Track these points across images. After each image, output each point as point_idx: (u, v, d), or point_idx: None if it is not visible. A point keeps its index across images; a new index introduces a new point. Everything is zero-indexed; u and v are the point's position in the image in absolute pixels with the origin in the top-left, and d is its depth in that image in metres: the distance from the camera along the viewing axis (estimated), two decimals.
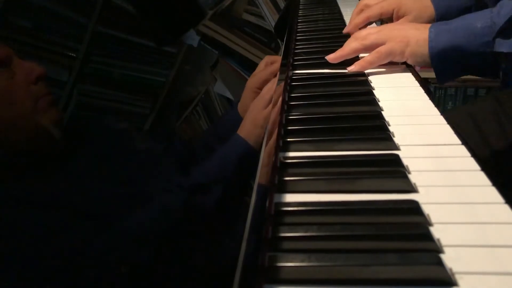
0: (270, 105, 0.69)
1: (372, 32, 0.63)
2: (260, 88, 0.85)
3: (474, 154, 0.40)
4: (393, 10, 0.74)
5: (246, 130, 0.72)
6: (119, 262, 0.66)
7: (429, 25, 0.60)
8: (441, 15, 0.73)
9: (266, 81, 0.80)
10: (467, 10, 0.73)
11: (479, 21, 0.56)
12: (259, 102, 0.73)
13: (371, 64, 0.61)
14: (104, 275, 0.65)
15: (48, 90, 0.78)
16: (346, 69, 0.63)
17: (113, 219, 0.69)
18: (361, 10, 0.77)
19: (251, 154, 0.71)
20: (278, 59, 0.78)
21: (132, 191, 0.76)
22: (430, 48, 0.58)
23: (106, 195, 0.74)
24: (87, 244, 0.66)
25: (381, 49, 0.60)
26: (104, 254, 0.66)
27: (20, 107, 0.74)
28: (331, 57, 0.64)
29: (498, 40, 0.55)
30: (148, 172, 0.82)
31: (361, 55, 0.65)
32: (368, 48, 0.62)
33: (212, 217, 0.72)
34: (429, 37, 0.58)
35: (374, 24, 0.82)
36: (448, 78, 0.61)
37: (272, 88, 0.71)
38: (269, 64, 0.85)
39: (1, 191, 0.71)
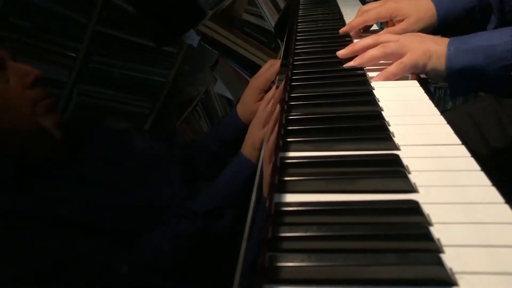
0: (267, 126, 0.69)
1: (393, 40, 0.62)
2: (264, 89, 0.85)
3: (474, 154, 0.40)
4: (390, 15, 0.74)
5: (248, 153, 0.72)
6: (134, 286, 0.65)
7: (447, 40, 0.59)
8: (444, 16, 0.73)
9: (270, 81, 0.80)
10: (470, 10, 0.73)
11: (499, 43, 0.55)
12: (256, 123, 0.72)
13: (395, 76, 0.60)
14: None
15: (45, 94, 0.76)
16: (371, 79, 0.62)
17: (118, 227, 0.68)
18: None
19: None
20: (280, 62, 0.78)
21: (134, 194, 0.76)
22: (448, 68, 0.57)
23: (109, 200, 0.73)
24: (100, 267, 0.64)
25: (406, 61, 0.59)
26: (119, 280, 0.65)
27: (18, 113, 0.72)
28: (342, 54, 0.65)
29: None
30: (150, 174, 0.82)
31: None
32: (388, 56, 0.62)
33: (225, 241, 0.72)
34: (448, 55, 0.57)
35: (375, 26, 0.83)
36: (461, 94, 0.62)
37: (268, 108, 0.71)
38: (273, 66, 0.85)
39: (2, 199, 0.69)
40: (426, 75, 0.61)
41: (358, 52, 0.64)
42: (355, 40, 0.76)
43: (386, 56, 0.62)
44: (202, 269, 0.71)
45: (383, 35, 0.64)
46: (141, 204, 0.75)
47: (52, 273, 0.62)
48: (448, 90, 1.80)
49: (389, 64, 0.62)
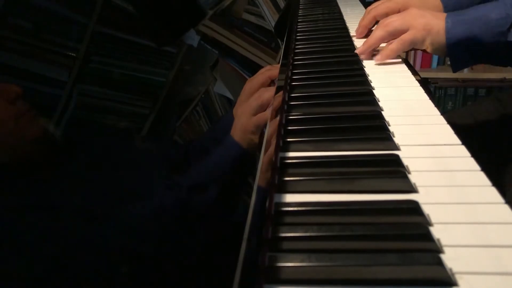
0: (263, 113, 0.71)
1: (395, 19, 0.64)
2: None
3: (474, 154, 0.40)
4: (399, 10, 0.75)
5: (238, 136, 0.74)
6: (118, 257, 0.67)
7: (445, 14, 0.61)
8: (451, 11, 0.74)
9: (264, 85, 0.81)
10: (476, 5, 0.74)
11: (493, 12, 0.58)
12: (246, 109, 0.74)
13: (395, 53, 0.63)
14: (104, 270, 0.66)
15: (27, 107, 0.80)
16: (373, 59, 0.64)
17: (110, 217, 0.70)
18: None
19: (244, 156, 0.73)
20: (277, 67, 0.78)
21: (128, 194, 0.77)
22: (448, 38, 0.60)
23: (104, 197, 0.75)
24: (85, 240, 0.67)
25: (405, 37, 0.62)
26: (103, 248, 0.68)
27: (3, 128, 0.76)
28: (360, 51, 0.66)
29: None
30: (144, 174, 0.83)
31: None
32: (392, 35, 0.64)
33: (208, 215, 0.74)
34: (446, 27, 0.60)
35: None
36: (462, 66, 0.65)
37: (261, 96, 0.73)
38: (269, 70, 0.85)
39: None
40: (427, 50, 0.64)
41: (375, 46, 0.66)
42: (357, 41, 0.76)
43: (390, 34, 0.64)
44: (184, 241, 0.73)
45: (393, 22, 0.66)
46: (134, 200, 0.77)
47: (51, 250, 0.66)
48: (447, 90, 1.79)
49: (393, 63, 0.64)
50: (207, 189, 0.72)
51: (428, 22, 0.61)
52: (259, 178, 0.40)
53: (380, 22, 0.68)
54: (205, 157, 0.77)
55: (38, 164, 0.81)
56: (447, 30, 0.60)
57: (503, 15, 0.58)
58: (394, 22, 0.64)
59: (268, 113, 0.69)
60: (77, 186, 0.78)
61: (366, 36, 0.79)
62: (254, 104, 0.72)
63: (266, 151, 0.45)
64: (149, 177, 0.83)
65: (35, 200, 0.73)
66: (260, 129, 0.71)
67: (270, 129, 0.50)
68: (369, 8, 0.79)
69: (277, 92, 0.58)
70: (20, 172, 0.79)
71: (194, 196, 0.72)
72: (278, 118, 0.48)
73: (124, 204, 0.73)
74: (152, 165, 0.86)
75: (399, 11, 0.75)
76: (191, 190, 0.72)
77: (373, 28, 0.78)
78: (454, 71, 0.65)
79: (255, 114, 0.72)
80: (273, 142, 0.44)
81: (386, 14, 0.76)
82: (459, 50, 0.60)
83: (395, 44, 0.62)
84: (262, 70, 0.87)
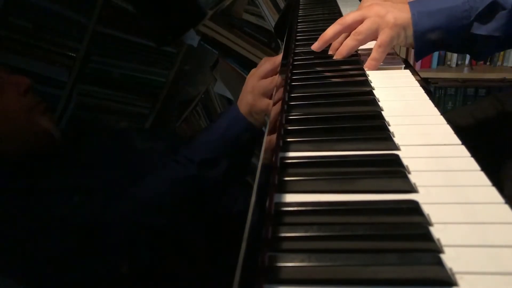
0: (270, 79, 0.72)
1: (359, 20, 0.64)
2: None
3: (475, 154, 0.40)
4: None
5: (244, 112, 0.74)
6: (134, 228, 0.69)
7: (407, 6, 0.62)
8: None
9: (266, 77, 0.81)
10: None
11: (457, 4, 0.59)
12: (257, 89, 0.74)
13: (380, 61, 0.63)
14: (119, 244, 0.68)
15: (38, 99, 0.82)
16: (363, 67, 0.63)
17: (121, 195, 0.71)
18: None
19: (251, 129, 0.74)
20: (277, 58, 0.78)
21: (133, 192, 0.77)
22: (415, 32, 0.61)
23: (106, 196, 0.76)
24: (100, 215, 0.69)
25: (383, 42, 0.61)
26: (118, 219, 0.69)
27: (16, 119, 0.77)
28: (315, 46, 0.66)
29: (475, 23, 0.59)
30: (147, 172, 0.83)
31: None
32: (363, 42, 0.64)
33: (218, 189, 0.76)
34: (413, 20, 0.60)
35: None
36: (425, 55, 0.66)
37: (275, 81, 0.72)
38: (269, 61, 0.86)
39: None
40: (398, 44, 0.64)
41: (330, 41, 0.66)
42: None
43: (361, 42, 0.64)
44: (195, 215, 0.75)
45: (347, 16, 0.65)
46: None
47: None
48: (447, 90, 1.79)
49: (393, 63, 0.64)
50: (217, 163, 0.73)
51: (397, 18, 0.61)
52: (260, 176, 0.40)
53: (342, 21, 0.66)
54: (211, 128, 0.77)
55: (45, 156, 0.82)
56: (414, 23, 0.60)
57: (467, 7, 0.59)
58: (362, 29, 0.63)
59: (273, 80, 0.70)
60: (88, 171, 0.80)
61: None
62: (270, 86, 0.72)
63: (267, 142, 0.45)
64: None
65: (48, 184, 0.74)
66: (265, 113, 0.71)
67: (273, 113, 0.50)
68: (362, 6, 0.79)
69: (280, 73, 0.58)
70: (28, 162, 0.80)
71: (205, 171, 0.72)
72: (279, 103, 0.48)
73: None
74: (160, 164, 0.87)
75: None
76: (202, 165, 0.72)
77: None
78: (417, 60, 0.66)
79: (267, 96, 0.72)
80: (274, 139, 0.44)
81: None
82: (424, 40, 0.61)
83: (377, 54, 0.62)
84: (260, 63, 0.87)
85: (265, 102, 0.71)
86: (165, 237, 0.71)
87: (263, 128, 0.74)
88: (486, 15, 0.59)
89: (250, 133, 0.74)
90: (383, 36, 0.61)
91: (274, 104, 0.53)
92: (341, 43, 0.65)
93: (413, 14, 0.60)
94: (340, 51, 0.65)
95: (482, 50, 0.63)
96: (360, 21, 0.63)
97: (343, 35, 0.66)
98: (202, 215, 0.76)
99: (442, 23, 0.60)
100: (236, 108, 0.75)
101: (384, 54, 0.62)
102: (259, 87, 0.72)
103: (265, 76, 0.73)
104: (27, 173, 0.77)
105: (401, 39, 0.62)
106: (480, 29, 0.59)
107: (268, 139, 0.45)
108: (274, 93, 0.60)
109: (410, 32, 0.61)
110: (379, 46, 0.62)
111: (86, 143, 0.88)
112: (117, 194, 0.71)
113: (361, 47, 0.66)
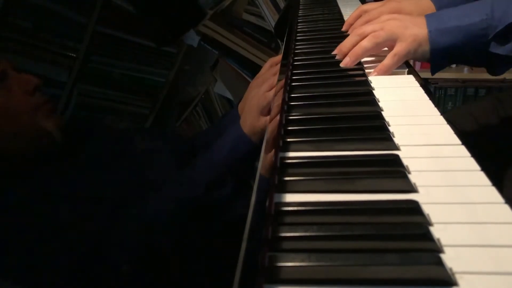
0: (268, 117, 0.70)
1: (377, 29, 0.63)
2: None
3: (475, 154, 0.40)
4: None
5: (247, 129, 0.74)
6: (136, 249, 0.68)
7: (424, 21, 0.61)
8: None
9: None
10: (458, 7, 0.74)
11: (475, 22, 0.58)
12: (256, 105, 0.73)
13: (391, 69, 0.62)
14: (121, 263, 0.68)
15: (46, 98, 0.81)
16: (368, 74, 0.62)
17: (123, 215, 0.71)
18: (359, 16, 0.77)
19: (255, 148, 0.74)
20: (279, 60, 0.78)
21: (134, 192, 0.77)
22: (432, 49, 0.60)
23: (120, 181, 0.77)
24: (103, 232, 0.68)
25: (399, 52, 0.60)
26: (121, 241, 0.69)
27: (22, 120, 0.77)
28: (348, 62, 0.64)
29: (493, 43, 0.58)
30: (149, 171, 0.82)
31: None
32: (380, 46, 0.63)
33: (225, 211, 0.75)
34: (430, 37, 0.60)
35: None
36: (440, 69, 0.65)
37: (270, 95, 0.72)
38: (274, 65, 0.85)
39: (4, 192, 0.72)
40: (413, 59, 0.64)
41: (349, 51, 0.65)
42: None
43: (378, 46, 0.63)
44: (201, 234, 0.74)
45: (365, 27, 0.65)
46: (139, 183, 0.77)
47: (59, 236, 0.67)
48: (447, 90, 1.79)
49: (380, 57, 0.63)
50: (224, 185, 0.73)
51: (416, 33, 0.60)
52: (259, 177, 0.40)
53: (359, 32, 0.66)
54: (215, 148, 0.77)
55: (49, 156, 0.81)
56: (431, 41, 0.60)
57: (484, 26, 0.58)
58: (381, 33, 0.62)
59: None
60: (92, 174, 0.79)
61: None
62: (264, 102, 0.72)
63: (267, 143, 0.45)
64: (158, 173, 0.83)
65: (48, 189, 0.74)
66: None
67: (270, 129, 0.50)
68: (362, 8, 0.79)
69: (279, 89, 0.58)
70: (33, 162, 0.79)
71: (212, 193, 0.72)
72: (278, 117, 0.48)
73: (140, 194, 0.73)
74: (160, 163, 0.86)
75: None
76: (208, 187, 0.72)
77: None
78: (433, 74, 0.66)
79: (262, 113, 0.72)
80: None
81: None
82: (441, 57, 0.61)
83: (390, 61, 0.61)
84: (266, 66, 0.87)
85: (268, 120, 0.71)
86: (167, 254, 0.70)
87: None
88: (505, 35, 0.58)
89: (255, 152, 0.73)
90: (400, 48, 0.61)
91: (271, 120, 0.53)
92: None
93: (430, 31, 0.60)
94: (354, 52, 0.63)
95: (499, 66, 0.63)
96: (393, 41, 0.62)
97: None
98: (207, 228, 0.75)
99: (459, 41, 0.59)
100: (239, 127, 0.74)
101: (397, 64, 0.61)
102: (263, 106, 0.72)
103: (264, 111, 0.72)
104: (26, 174, 0.77)
105: (417, 54, 0.61)
106: (499, 49, 0.59)
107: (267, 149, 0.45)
108: (274, 95, 0.60)
109: (427, 48, 0.60)
110: (395, 55, 0.61)
111: (86, 145, 0.88)
112: (120, 212, 0.70)
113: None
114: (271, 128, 0.50)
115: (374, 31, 0.63)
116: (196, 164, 0.76)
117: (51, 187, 0.74)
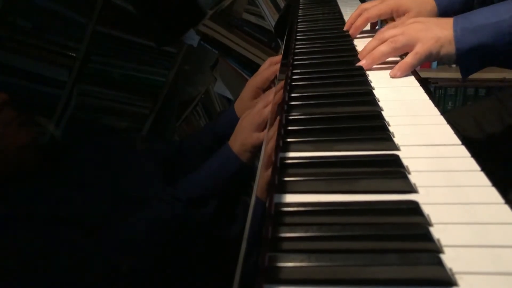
0: (262, 133, 0.70)
1: (398, 33, 0.62)
2: (262, 87, 0.85)
3: (475, 154, 0.40)
4: (392, 11, 0.74)
5: (237, 150, 0.73)
6: (113, 269, 0.66)
7: (451, 22, 0.59)
8: (443, 9, 0.73)
9: (268, 80, 0.80)
10: (468, 3, 0.73)
11: (504, 18, 0.56)
12: (249, 123, 0.72)
13: (412, 67, 0.61)
14: (99, 282, 0.66)
15: (15, 113, 0.79)
16: (389, 75, 0.62)
17: (106, 233, 0.69)
18: (359, 15, 0.77)
19: (243, 168, 0.73)
20: (279, 60, 0.78)
21: (127, 198, 0.77)
22: (458, 49, 0.58)
23: (100, 205, 0.75)
24: (81, 250, 0.66)
25: (420, 51, 0.59)
26: (97, 260, 0.67)
27: None
28: (364, 64, 0.63)
29: None
30: (144, 176, 0.83)
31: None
32: (399, 51, 0.62)
33: (206, 229, 0.73)
34: (455, 37, 0.58)
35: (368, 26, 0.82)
36: (472, 72, 0.63)
37: (265, 112, 0.71)
38: (273, 64, 0.85)
39: None
40: (438, 60, 0.61)
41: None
42: (356, 41, 0.76)
43: (396, 50, 0.62)
44: (180, 255, 0.73)
45: (386, 31, 0.64)
46: (120, 199, 0.76)
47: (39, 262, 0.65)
48: (447, 90, 1.79)
49: (393, 63, 0.62)
50: (206, 203, 0.71)
51: (438, 35, 0.59)
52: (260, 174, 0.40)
53: (377, 35, 0.65)
54: (202, 167, 0.75)
55: (29, 172, 0.79)
56: (457, 40, 0.58)
57: None
58: (399, 37, 0.61)
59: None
60: (72, 193, 0.77)
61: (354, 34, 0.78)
62: (259, 119, 0.71)
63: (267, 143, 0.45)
64: (148, 180, 0.83)
65: (25, 210, 0.71)
66: (258, 148, 0.70)
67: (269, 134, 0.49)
68: (362, 6, 0.79)
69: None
70: (10, 180, 0.77)
71: (192, 211, 0.71)
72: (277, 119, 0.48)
73: (121, 212, 0.72)
74: (152, 166, 0.86)
75: (391, 13, 0.75)
76: (189, 205, 0.71)
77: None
78: (464, 78, 0.63)
79: (259, 130, 0.71)
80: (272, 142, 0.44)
81: (379, 16, 0.76)
82: (469, 58, 0.59)
83: (411, 59, 0.60)
84: (265, 64, 0.87)
85: (261, 136, 0.70)
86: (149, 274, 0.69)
87: (256, 162, 0.72)
88: None
89: (242, 173, 0.73)
90: (420, 48, 0.59)
91: (269, 141, 0.52)
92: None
93: (455, 31, 0.58)
94: (371, 55, 0.63)
95: None
96: (412, 46, 0.61)
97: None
98: (191, 252, 0.74)
99: (487, 39, 0.57)
100: (229, 147, 0.74)
101: (418, 63, 0.60)
102: (258, 123, 0.71)
103: (258, 128, 0.72)
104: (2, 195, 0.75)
105: (441, 56, 0.59)
106: None
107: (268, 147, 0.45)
108: (274, 96, 0.60)
109: (452, 50, 0.59)
110: (416, 53, 0.59)
111: (83, 149, 0.87)
112: (99, 231, 0.69)
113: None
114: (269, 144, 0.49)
115: (395, 36, 0.62)
116: (182, 182, 0.75)
117: (29, 207, 0.72)
